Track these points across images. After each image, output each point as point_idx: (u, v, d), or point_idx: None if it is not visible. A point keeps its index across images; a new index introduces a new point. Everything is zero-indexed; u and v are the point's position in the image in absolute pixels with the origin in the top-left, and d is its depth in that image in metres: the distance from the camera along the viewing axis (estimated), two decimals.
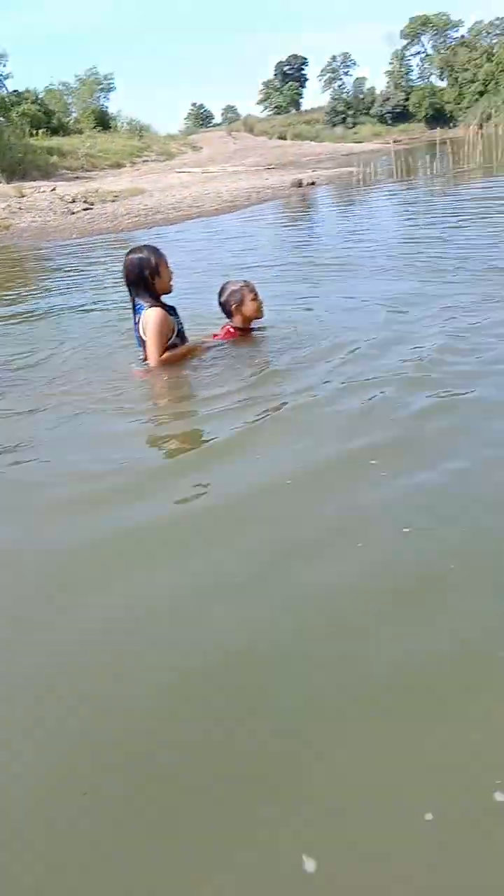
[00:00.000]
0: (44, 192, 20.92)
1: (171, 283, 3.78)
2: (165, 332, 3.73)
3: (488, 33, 63.07)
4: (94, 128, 39.92)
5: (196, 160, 38.43)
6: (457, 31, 66.19)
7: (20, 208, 17.60)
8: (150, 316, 3.68)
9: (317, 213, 14.31)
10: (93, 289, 7.33)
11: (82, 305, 6.31)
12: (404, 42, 68.24)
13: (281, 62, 76.12)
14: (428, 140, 29.04)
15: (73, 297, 6.90)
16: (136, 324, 3.77)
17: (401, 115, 64.71)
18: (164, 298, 3.80)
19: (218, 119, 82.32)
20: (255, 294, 4.10)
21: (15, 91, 38.52)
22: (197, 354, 3.87)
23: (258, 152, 40.29)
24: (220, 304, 4.09)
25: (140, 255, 3.72)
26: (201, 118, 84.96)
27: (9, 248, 12.57)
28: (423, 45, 68.61)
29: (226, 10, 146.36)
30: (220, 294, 4.09)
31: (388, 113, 65.16)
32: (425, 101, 63.35)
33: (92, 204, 18.62)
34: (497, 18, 62.69)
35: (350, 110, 66.85)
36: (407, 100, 65.02)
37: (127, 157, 36.20)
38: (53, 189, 21.39)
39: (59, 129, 36.96)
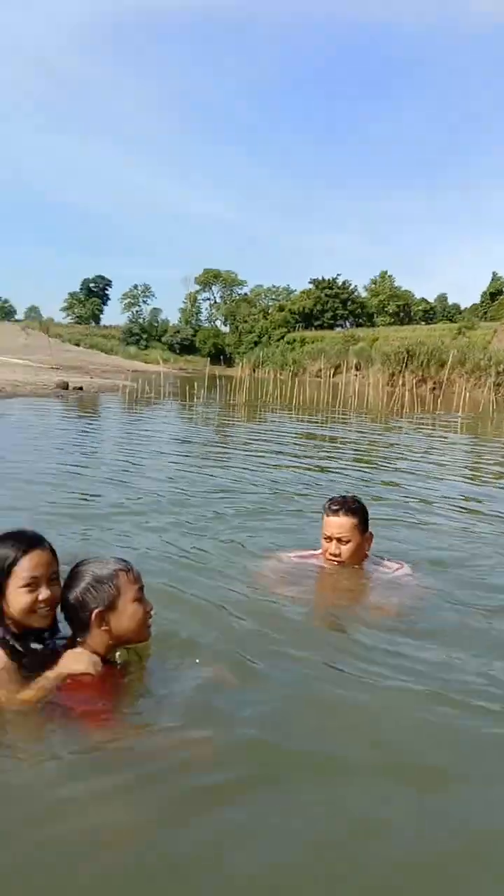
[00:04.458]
0: None
1: (40, 611, 2.26)
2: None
3: (266, 296, 74.98)
4: None
5: None
6: (241, 288, 77.71)
7: None
8: None
9: (68, 421, 14.12)
10: None
11: None
12: (198, 287, 78.26)
13: (87, 279, 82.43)
14: (208, 373, 31.95)
15: None
16: None
17: (187, 348, 71.70)
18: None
19: (20, 316, 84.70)
20: (141, 589, 2.37)
21: None
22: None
23: (47, 352, 41.12)
24: (69, 605, 2.32)
25: None
26: (4, 311, 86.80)
27: None
28: (213, 294, 79.15)
29: (48, 220, 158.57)
30: (72, 585, 2.32)
31: (177, 343, 71.93)
32: (210, 340, 71.29)
33: None
34: (273, 286, 75.22)
35: (144, 334, 72.79)
36: (194, 335, 72.76)
37: None
38: None
39: None
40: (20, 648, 2.26)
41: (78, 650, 2.28)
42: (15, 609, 2.24)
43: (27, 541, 2.30)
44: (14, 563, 2.24)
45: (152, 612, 2.38)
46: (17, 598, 2.23)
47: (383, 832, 1.92)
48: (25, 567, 2.23)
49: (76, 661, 2.25)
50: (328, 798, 2.03)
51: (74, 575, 2.34)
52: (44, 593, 2.25)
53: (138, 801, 1.95)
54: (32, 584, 2.23)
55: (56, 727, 2.17)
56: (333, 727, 2.41)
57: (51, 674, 2.22)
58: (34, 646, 2.30)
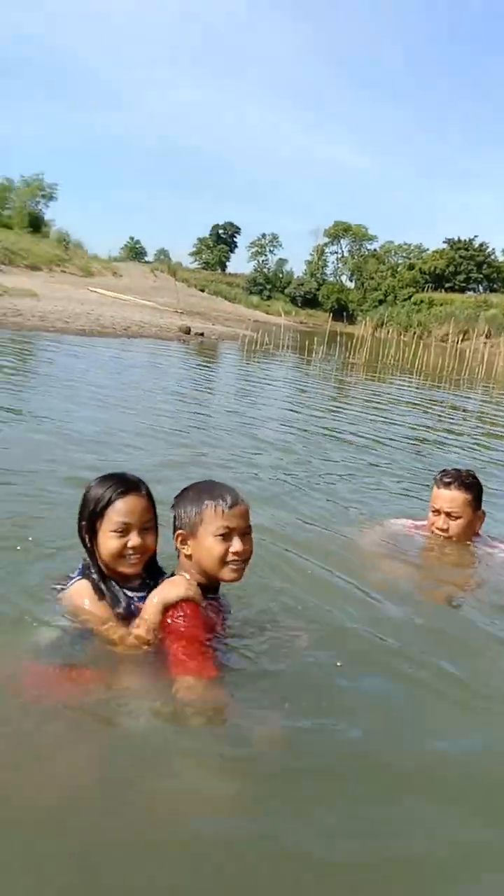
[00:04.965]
0: None
1: (130, 558, 2.20)
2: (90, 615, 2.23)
3: (396, 253, 72.19)
4: (25, 228, 40.74)
5: (114, 285, 39.42)
6: (371, 244, 75.18)
7: None
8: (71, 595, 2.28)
9: (189, 364, 14.39)
10: None
11: None
12: (326, 240, 76.57)
13: (217, 225, 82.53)
14: (328, 329, 31.44)
15: None
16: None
17: (310, 301, 70.69)
18: None
19: (150, 258, 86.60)
20: (230, 528, 2.17)
21: None
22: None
23: (173, 295, 42.00)
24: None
25: (89, 489, 2.25)
26: (135, 251, 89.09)
27: None
28: (341, 247, 77.19)
29: (183, 164, 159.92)
30: (176, 500, 2.26)
31: (300, 296, 71.08)
32: (333, 295, 69.85)
33: None
34: (405, 243, 72.23)
35: (268, 284, 72.41)
36: (318, 289, 71.56)
37: (46, 263, 36.61)
38: None
39: None
40: (115, 592, 2.22)
41: (176, 577, 2.22)
42: (104, 552, 2.20)
43: (125, 483, 2.22)
44: (108, 505, 2.17)
45: (239, 556, 2.16)
46: (107, 542, 2.18)
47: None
48: (118, 511, 2.17)
49: (173, 585, 2.18)
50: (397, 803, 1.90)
51: (184, 490, 2.26)
52: (134, 540, 2.17)
53: (219, 767, 1.89)
54: (123, 530, 2.17)
55: (151, 674, 2.12)
56: (419, 715, 2.27)
57: (149, 605, 2.17)
58: (130, 593, 2.24)
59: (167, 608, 2.14)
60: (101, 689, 2.12)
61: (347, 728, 2.11)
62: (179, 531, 2.20)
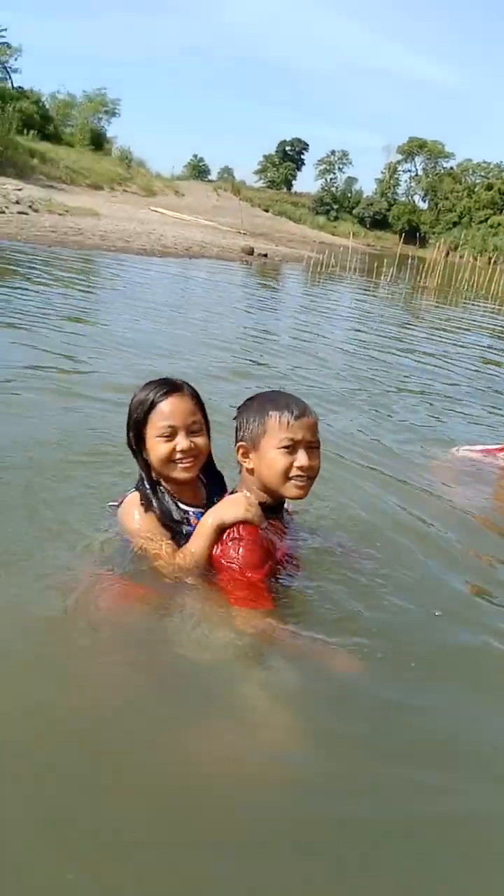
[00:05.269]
0: (5, 187, 20.05)
1: (181, 463, 2.08)
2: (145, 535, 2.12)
3: (474, 172, 67.69)
4: (87, 145, 40.01)
5: (175, 205, 38.64)
6: (447, 161, 70.70)
7: None
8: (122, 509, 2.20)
9: (251, 284, 13.99)
10: None
11: None
12: (399, 157, 72.41)
13: (284, 141, 79.05)
14: (399, 252, 30.08)
15: None
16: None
17: (379, 223, 67.73)
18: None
19: (213, 176, 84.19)
20: (295, 440, 1.98)
21: (20, 87, 38.34)
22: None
23: (236, 215, 40.85)
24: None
25: (133, 397, 2.15)
26: (198, 170, 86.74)
27: None
28: (414, 166, 72.94)
29: (248, 78, 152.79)
30: (238, 411, 2.10)
31: (369, 217, 68.12)
32: (404, 216, 66.63)
33: (36, 210, 17.90)
34: (484, 161, 67.52)
35: (335, 204, 69.55)
36: (389, 210, 68.30)
37: (107, 182, 36.05)
38: (20, 189, 20.54)
39: (52, 137, 36.66)
40: (166, 504, 2.12)
41: (235, 495, 2.06)
42: (154, 459, 2.10)
43: (167, 385, 2.12)
44: (151, 408, 2.08)
45: (304, 472, 1.96)
46: (156, 448, 2.08)
47: None
48: (162, 413, 2.07)
49: (233, 504, 2.01)
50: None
51: (248, 400, 2.09)
52: (182, 443, 2.06)
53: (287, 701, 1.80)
54: (170, 434, 2.06)
55: (202, 599, 2.00)
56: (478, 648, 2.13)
57: (203, 526, 2.02)
58: (186, 507, 2.15)
59: (223, 530, 1.99)
60: (149, 611, 2.03)
61: (421, 669, 1.99)
62: (241, 443, 2.03)
